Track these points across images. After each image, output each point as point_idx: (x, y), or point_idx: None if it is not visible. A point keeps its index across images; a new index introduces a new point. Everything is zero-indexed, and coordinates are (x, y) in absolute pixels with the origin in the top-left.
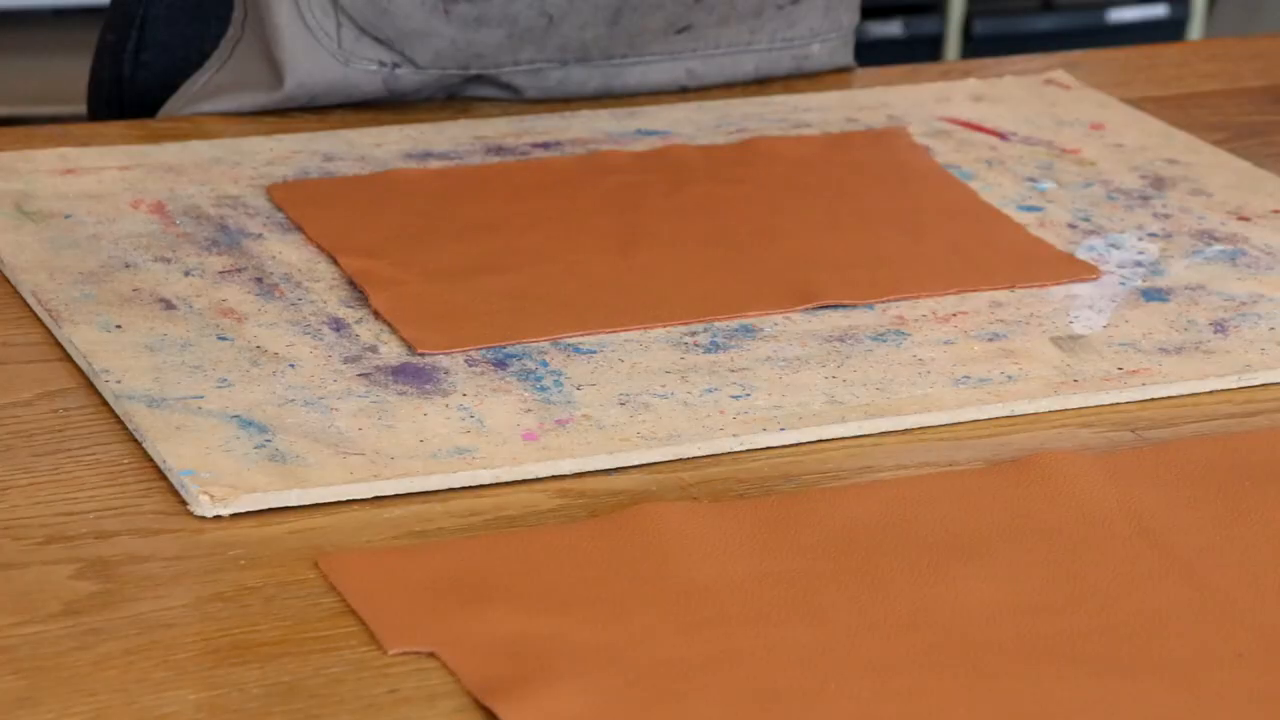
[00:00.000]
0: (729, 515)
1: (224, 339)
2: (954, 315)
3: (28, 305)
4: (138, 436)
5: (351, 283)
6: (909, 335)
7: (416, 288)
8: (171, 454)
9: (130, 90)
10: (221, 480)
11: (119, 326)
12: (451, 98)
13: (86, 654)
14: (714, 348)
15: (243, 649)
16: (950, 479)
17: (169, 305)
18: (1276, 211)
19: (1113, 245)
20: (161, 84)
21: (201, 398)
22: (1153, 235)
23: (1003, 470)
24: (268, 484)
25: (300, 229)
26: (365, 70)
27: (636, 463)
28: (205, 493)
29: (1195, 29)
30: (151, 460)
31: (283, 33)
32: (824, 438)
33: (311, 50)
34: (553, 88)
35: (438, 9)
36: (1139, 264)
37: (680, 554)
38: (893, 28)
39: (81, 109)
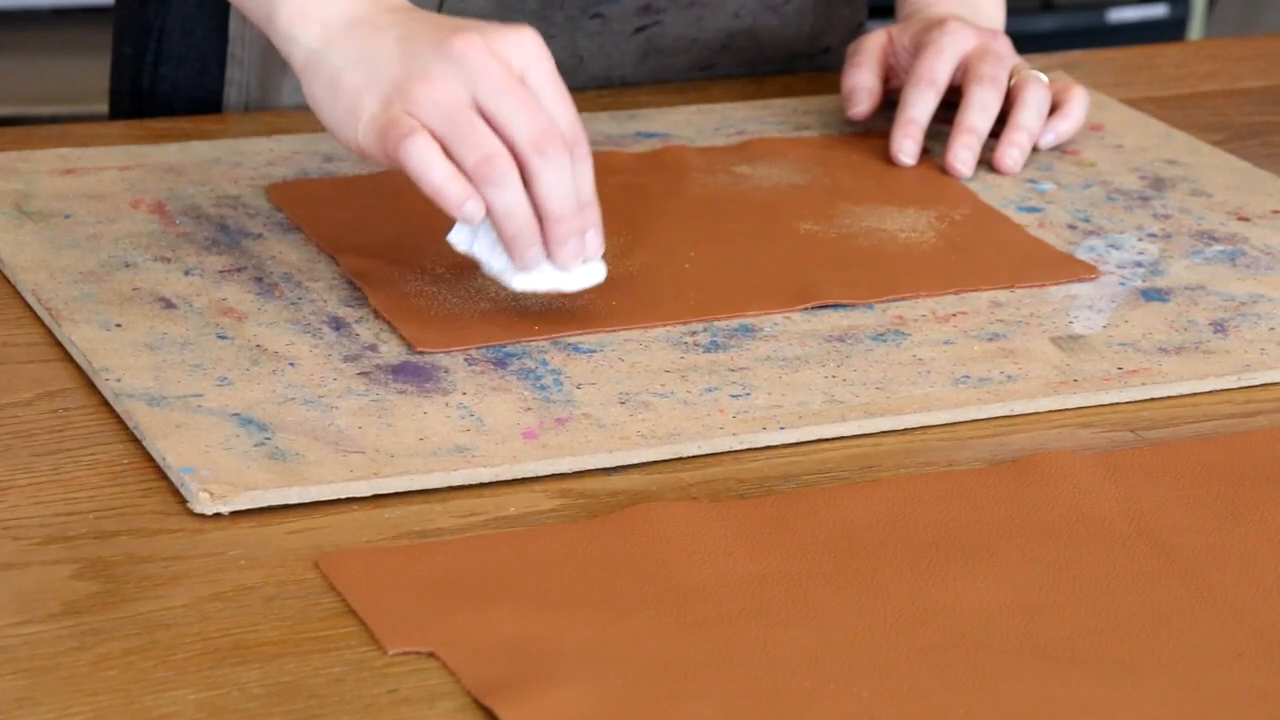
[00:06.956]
0: (729, 515)
1: (224, 338)
2: (954, 315)
3: (28, 305)
4: (137, 434)
5: (351, 282)
6: (909, 335)
7: (416, 287)
8: (171, 451)
9: (150, 103)
10: (221, 478)
11: (119, 325)
12: None
13: (86, 654)
14: (714, 347)
15: (243, 649)
16: (950, 479)
17: (169, 304)
18: (1276, 211)
19: (1112, 246)
20: (183, 96)
21: (201, 396)
22: (1152, 236)
23: (1003, 470)
24: (267, 481)
25: (300, 229)
26: None
27: (636, 461)
28: (205, 490)
29: (1195, 29)
30: (151, 460)
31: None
32: (824, 437)
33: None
34: None
35: None
36: (1139, 264)
37: (680, 554)
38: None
39: (81, 109)
